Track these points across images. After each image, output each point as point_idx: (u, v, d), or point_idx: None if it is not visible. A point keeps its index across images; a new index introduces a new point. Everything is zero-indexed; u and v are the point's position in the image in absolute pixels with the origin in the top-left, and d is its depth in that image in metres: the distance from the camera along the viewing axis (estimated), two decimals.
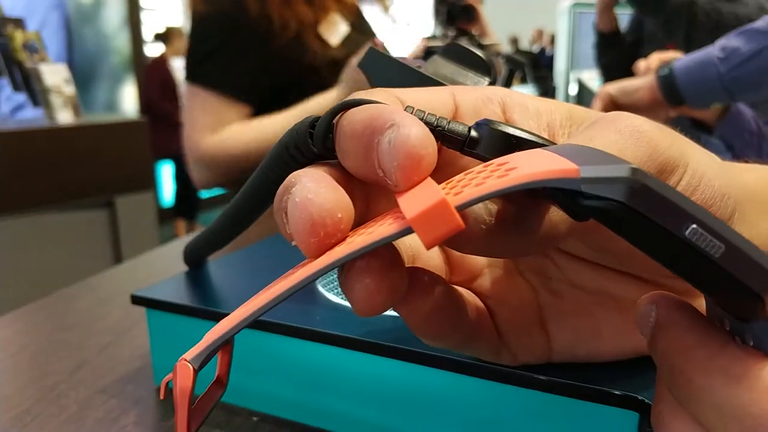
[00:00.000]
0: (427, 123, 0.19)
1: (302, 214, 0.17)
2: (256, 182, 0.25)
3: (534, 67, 1.37)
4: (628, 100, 1.03)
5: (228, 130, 1.11)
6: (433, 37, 1.57)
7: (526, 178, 0.15)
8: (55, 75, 1.78)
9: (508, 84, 1.21)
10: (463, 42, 1.40)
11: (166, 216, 3.59)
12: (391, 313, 0.32)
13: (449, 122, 0.20)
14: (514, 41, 6.15)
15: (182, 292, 0.36)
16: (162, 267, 0.61)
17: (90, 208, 1.79)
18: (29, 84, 1.81)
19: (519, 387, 0.27)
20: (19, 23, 1.84)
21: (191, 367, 0.16)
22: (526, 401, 0.27)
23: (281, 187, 0.18)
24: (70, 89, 1.83)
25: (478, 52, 0.35)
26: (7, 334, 0.45)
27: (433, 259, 0.25)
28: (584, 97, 2.99)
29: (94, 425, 0.33)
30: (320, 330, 0.31)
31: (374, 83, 0.33)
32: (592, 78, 3.15)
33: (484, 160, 0.19)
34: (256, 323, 0.32)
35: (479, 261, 0.26)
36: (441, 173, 0.19)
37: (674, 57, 1.02)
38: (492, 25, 1.68)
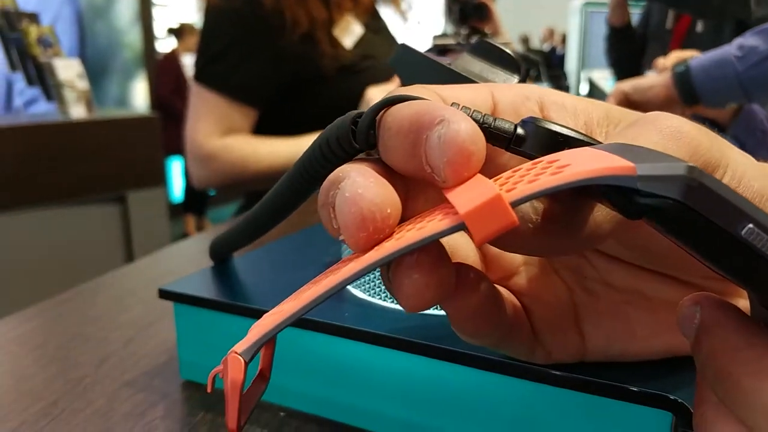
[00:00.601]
0: (473, 120, 0.19)
1: (352, 209, 0.17)
2: (293, 177, 0.25)
3: (546, 66, 1.36)
4: (642, 98, 1.02)
5: (235, 138, 1.12)
6: (443, 36, 1.57)
7: (583, 174, 0.15)
8: (68, 70, 1.79)
9: (522, 83, 1.21)
10: (476, 40, 1.39)
11: (175, 212, 3.60)
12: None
13: (495, 119, 0.19)
14: (525, 40, 6.13)
15: (209, 287, 0.36)
16: (180, 263, 0.61)
17: (102, 203, 1.80)
18: (43, 78, 1.81)
19: (551, 386, 0.27)
20: (33, 18, 1.84)
21: (242, 360, 0.16)
22: (558, 400, 0.27)
23: (327, 182, 0.18)
24: (83, 84, 1.83)
25: (507, 50, 0.35)
26: (30, 328, 0.45)
27: (470, 256, 0.25)
28: (595, 96, 2.98)
29: (121, 419, 0.33)
30: (349, 326, 0.31)
31: (405, 80, 0.33)
32: (603, 77, 3.14)
33: (530, 157, 0.19)
34: None
35: (515, 259, 0.26)
36: (481, 171, 0.19)
37: (691, 55, 1.01)
38: (503, 24, 1.67)
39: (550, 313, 0.25)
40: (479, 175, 0.17)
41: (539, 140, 0.19)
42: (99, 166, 1.75)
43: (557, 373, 0.26)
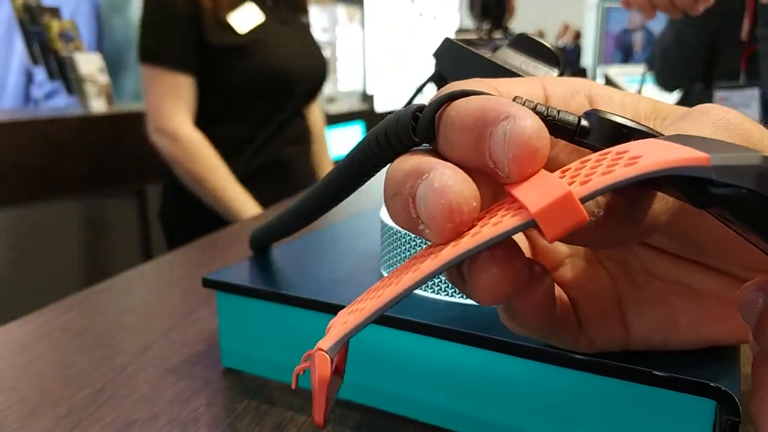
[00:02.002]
0: (538, 113, 0.19)
1: (441, 200, 0.17)
2: (344, 168, 0.26)
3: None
4: None
5: (204, 144, 1.33)
6: (465, 30, 1.57)
7: (661, 165, 0.16)
8: (89, 64, 1.80)
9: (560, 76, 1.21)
10: (498, 34, 1.41)
11: None
12: (460, 300, 0.33)
13: (559, 112, 0.20)
14: (541, 36, 6.11)
15: (252, 276, 0.37)
16: (217, 252, 0.61)
17: (121, 196, 1.81)
18: (64, 72, 1.83)
19: (593, 374, 0.27)
20: (55, 12, 1.86)
21: (329, 357, 0.17)
22: (600, 389, 0.27)
23: (404, 173, 0.19)
24: (104, 78, 1.85)
25: (547, 44, 0.36)
26: (70, 317, 0.46)
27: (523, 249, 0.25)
28: None
29: (167, 406, 0.34)
30: (393, 315, 0.31)
31: (447, 73, 0.34)
32: (620, 73, 3.13)
33: (594, 149, 0.19)
34: (325, 307, 0.33)
35: (562, 250, 0.26)
36: None
37: None
38: (519, 20, 1.67)
39: (594, 304, 0.26)
40: (543, 171, 0.18)
41: (603, 132, 0.19)
42: (119, 159, 1.77)
43: (600, 360, 0.26)
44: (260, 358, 0.36)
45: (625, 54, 4.86)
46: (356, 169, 0.25)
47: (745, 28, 1.21)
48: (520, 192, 0.17)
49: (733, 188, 0.15)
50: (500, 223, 0.17)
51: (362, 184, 0.27)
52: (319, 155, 1.61)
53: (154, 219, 1.87)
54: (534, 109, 0.19)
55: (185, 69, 1.31)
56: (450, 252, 0.17)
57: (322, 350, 0.17)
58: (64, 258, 1.69)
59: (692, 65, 1.34)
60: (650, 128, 0.20)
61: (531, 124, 0.17)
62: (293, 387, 0.18)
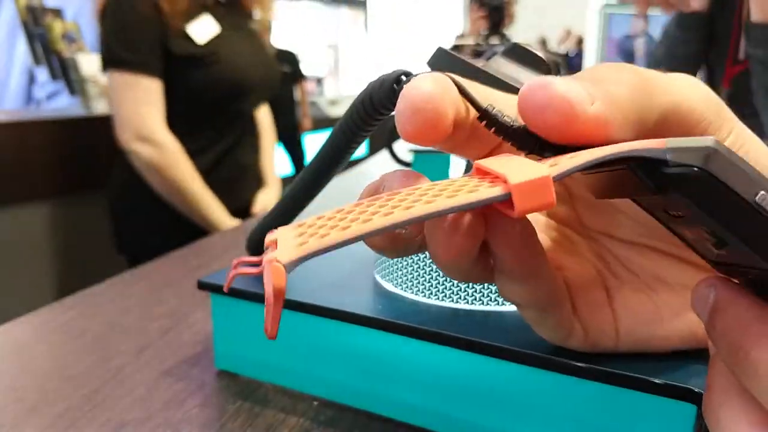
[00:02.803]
0: (498, 120, 0.21)
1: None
2: (335, 137, 0.27)
3: (565, 69, 1.36)
4: None
5: (183, 152, 1.35)
6: (464, 36, 1.58)
7: (621, 147, 0.17)
8: (91, 65, 1.81)
9: None
10: (495, 40, 1.41)
11: None
12: (450, 305, 0.33)
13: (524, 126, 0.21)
14: (543, 42, 6.12)
15: (247, 279, 0.37)
16: (213, 255, 0.62)
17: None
18: (66, 73, 1.84)
19: (576, 377, 0.28)
20: (58, 14, 1.87)
21: (284, 270, 0.17)
22: (582, 392, 0.28)
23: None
24: (105, 79, 1.86)
25: (538, 53, 0.36)
26: (68, 318, 0.46)
27: None
28: None
29: (162, 407, 0.34)
30: (382, 318, 0.32)
31: None
32: None
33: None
34: (319, 311, 0.33)
35: (548, 237, 0.27)
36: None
37: None
38: (522, 26, 1.68)
39: (585, 287, 0.26)
40: (524, 158, 0.19)
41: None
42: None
43: (581, 365, 0.27)
44: (254, 361, 0.37)
45: (627, 60, 4.87)
46: (345, 136, 0.26)
47: (741, 47, 1.21)
48: (499, 166, 0.18)
49: (684, 167, 0.16)
50: (477, 191, 0.18)
51: (353, 152, 0.27)
52: (263, 153, 1.60)
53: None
54: (499, 118, 0.21)
55: (156, 73, 1.31)
56: (424, 208, 0.17)
57: (279, 262, 0.17)
58: (64, 257, 1.70)
59: None
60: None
61: (422, 86, 0.20)
62: (225, 290, 0.19)
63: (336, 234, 0.17)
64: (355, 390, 0.34)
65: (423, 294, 0.34)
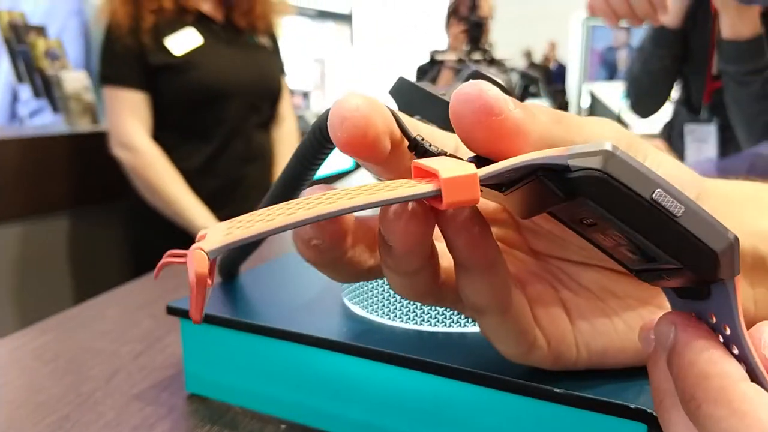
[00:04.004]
0: (424, 148, 0.22)
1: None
2: (292, 165, 0.28)
3: (546, 82, 1.38)
4: None
5: (161, 156, 1.45)
6: (443, 52, 1.59)
7: (531, 156, 0.19)
8: (75, 82, 1.81)
9: (522, 99, 1.24)
10: (477, 56, 1.43)
11: None
12: (416, 327, 0.34)
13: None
14: (528, 54, 6.16)
15: (216, 303, 0.38)
16: (186, 277, 0.62)
17: (108, 214, 1.81)
18: (49, 90, 1.84)
19: (528, 397, 0.28)
20: (41, 31, 1.87)
21: (207, 257, 0.18)
22: (534, 412, 0.29)
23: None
24: (89, 96, 1.86)
25: (499, 80, 0.37)
26: (42, 342, 0.47)
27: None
28: (597, 109, 3.00)
29: None
30: (347, 342, 0.33)
31: (401, 110, 0.35)
32: (604, 91, 3.16)
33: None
34: (286, 335, 0.34)
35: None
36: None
37: None
38: (507, 39, 1.69)
39: (544, 301, 0.27)
40: (457, 159, 0.21)
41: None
42: (104, 177, 1.77)
43: (534, 385, 0.28)
44: (224, 384, 0.37)
45: (610, 71, 4.91)
46: (302, 164, 0.27)
47: (714, 62, 1.23)
48: (434, 164, 0.20)
49: (585, 170, 0.18)
50: (415, 186, 0.19)
51: (310, 179, 0.29)
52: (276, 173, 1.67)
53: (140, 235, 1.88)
54: (423, 144, 0.22)
55: (137, 86, 1.43)
56: (348, 202, 0.19)
57: (202, 250, 0.18)
58: (51, 275, 1.69)
59: (662, 93, 1.37)
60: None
61: (350, 98, 0.21)
62: (154, 277, 0.20)
63: (261, 225, 0.18)
64: (322, 413, 0.34)
65: (388, 317, 0.35)
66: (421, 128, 0.24)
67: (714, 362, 0.19)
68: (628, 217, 0.19)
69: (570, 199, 0.19)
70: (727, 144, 1.23)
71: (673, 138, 1.36)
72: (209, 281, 0.18)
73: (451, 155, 0.22)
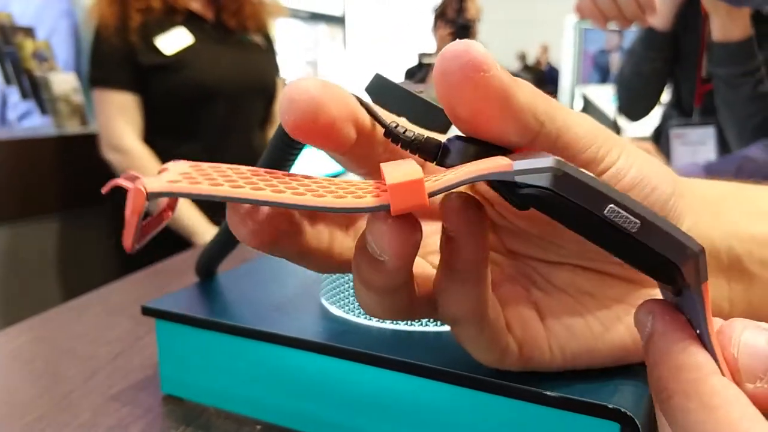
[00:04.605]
0: (399, 135, 0.22)
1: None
2: (262, 161, 0.28)
3: (539, 83, 1.37)
4: None
5: (152, 158, 1.45)
6: (429, 55, 1.59)
7: (478, 170, 0.19)
8: (63, 84, 1.80)
9: None
10: None
11: None
12: (392, 327, 0.34)
13: (426, 138, 0.22)
14: (522, 57, 6.17)
15: (192, 304, 0.37)
16: (171, 278, 0.62)
17: (96, 216, 1.81)
18: (37, 92, 1.83)
19: (500, 396, 0.28)
20: (29, 32, 1.86)
21: (145, 199, 0.18)
22: (507, 411, 0.28)
23: None
24: (78, 98, 1.85)
25: None
26: (20, 344, 0.46)
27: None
28: (589, 112, 3.01)
29: None
30: (324, 342, 0.32)
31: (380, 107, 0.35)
32: (596, 94, 3.16)
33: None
34: (261, 336, 0.34)
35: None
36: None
37: None
38: (500, 42, 1.70)
39: (516, 305, 0.27)
40: (412, 161, 0.20)
41: (461, 155, 0.22)
42: (93, 179, 1.77)
43: (509, 384, 0.28)
44: (199, 385, 0.37)
45: (603, 74, 4.92)
46: (271, 163, 0.27)
47: (705, 65, 1.23)
48: (389, 168, 0.20)
49: (535, 188, 0.17)
50: (362, 200, 0.19)
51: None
52: None
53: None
54: (401, 133, 0.22)
55: (127, 88, 1.44)
56: (309, 199, 0.19)
57: (145, 190, 0.18)
58: (40, 279, 1.68)
59: (653, 96, 1.37)
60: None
61: (300, 82, 0.21)
62: (103, 191, 0.21)
63: (205, 187, 0.19)
64: (298, 413, 0.34)
65: (365, 316, 0.35)
66: (396, 120, 0.24)
67: (688, 354, 0.19)
68: (583, 230, 0.18)
69: (525, 210, 0.19)
70: (722, 147, 1.23)
71: (662, 141, 1.36)
72: (166, 214, 0.21)
73: (428, 138, 0.22)
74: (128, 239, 0.19)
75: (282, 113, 0.21)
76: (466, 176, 0.19)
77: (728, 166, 1.08)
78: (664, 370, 0.19)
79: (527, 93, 0.21)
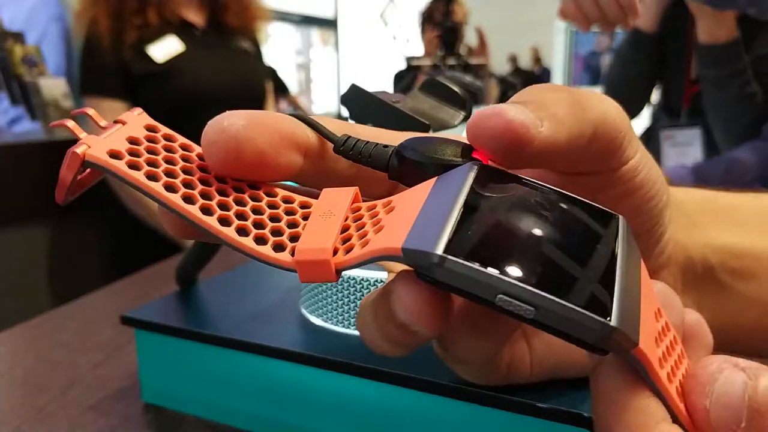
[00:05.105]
0: (344, 147, 0.22)
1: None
2: None
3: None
4: None
5: None
6: (419, 58, 1.60)
7: (364, 256, 0.18)
8: (54, 89, 1.80)
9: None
10: (451, 61, 1.43)
11: None
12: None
13: (375, 148, 0.22)
14: (514, 59, 6.18)
15: (171, 314, 0.37)
16: (154, 287, 0.62)
17: (86, 222, 1.80)
18: (27, 97, 1.82)
19: (474, 404, 0.28)
20: (18, 37, 1.85)
21: (80, 164, 0.19)
22: (479, 418, 0.29)
23: None
24: (68, 103, 1.84)
25: (455, 87, 0.37)
26: (0, 353, 0.46)
27: None
28: None
29: None
30: (303, 352, 0.32)
31: (354, 117, 0.35)
32: None
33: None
34: (240, 345, 0.34)
35: None
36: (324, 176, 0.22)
37: None
38: (493, 45, 1.70)
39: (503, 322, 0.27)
40: (334, 228, 0.20)
41: (407, 171, 0.21)
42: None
43: (479, 391, 0.28)
44: (179, 394, 0.37)
45: (594, 76, 4.94)
46: None
47: (693, 67, 1.24)
48: (310, 225, 0.20)
49: (422, 275, 0.17)
50: (277, 254, 0.20)
51: None
52: None
53: (119, 243, 1.87)
54: (347, 145, 0.22)
55: (117, 95, 1.44)
56: (230, 232, 0.19)
57: (81, 156, 0.19)
58: (28, 285, 1.68)
59: (642, 98, 1.37)
60: (449, 160, 0.20)
61: (216, 121, 0.20)
62: (51, 126, 0.22)
63: (140, 177, 0.19)
64: (278, 422, 0.34)
65: (343, 325, 0.35)
66: (358, 130, 0.23)
67: (633, 395, 0.18)
68: (488, 308, 0.17)
69: (430, 283, 0.17)
70: (709, 148, 1.24)
71: (651, 143, 1.37)
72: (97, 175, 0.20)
73: (379, 150, 0.22)
74: (60, 194, 0.20)
75: (205, 156, 0.20)
76: (365, 257, 0.18)
77: (717, 169, 1.09)
78: (608, 409, 0.19)
79: (565, 123, 0.21)
